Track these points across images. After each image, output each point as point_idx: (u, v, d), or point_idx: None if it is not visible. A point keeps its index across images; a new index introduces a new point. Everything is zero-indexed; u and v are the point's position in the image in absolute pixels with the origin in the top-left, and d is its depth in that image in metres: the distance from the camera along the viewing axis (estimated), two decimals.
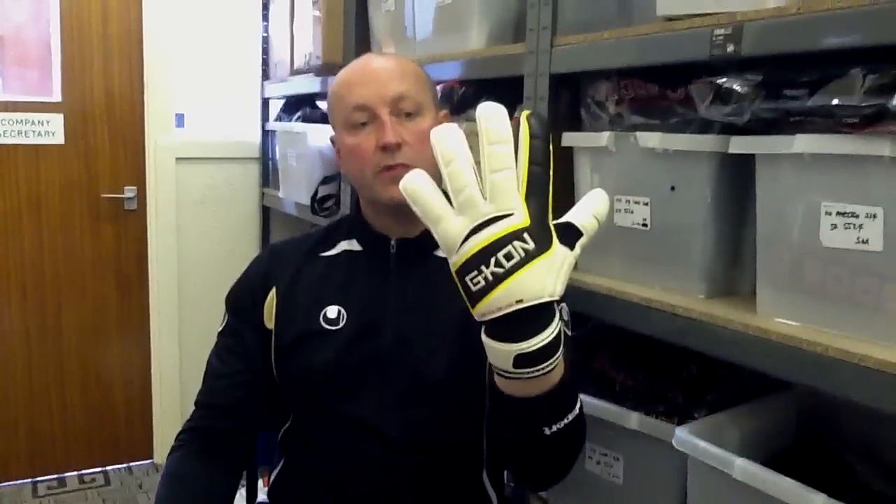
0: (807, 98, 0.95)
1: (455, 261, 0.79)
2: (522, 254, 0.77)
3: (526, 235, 0.77)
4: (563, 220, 0.84)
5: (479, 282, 0.78)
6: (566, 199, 1.35)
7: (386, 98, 1.16)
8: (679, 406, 1.27)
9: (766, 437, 1.23)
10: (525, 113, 0.80)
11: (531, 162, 0.79)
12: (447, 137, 0.78)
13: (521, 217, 0.77)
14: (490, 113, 0.77)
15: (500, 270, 0.77)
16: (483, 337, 0.82)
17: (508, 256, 0.76)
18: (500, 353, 0.81)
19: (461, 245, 0.78)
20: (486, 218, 0.77)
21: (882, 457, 1.24)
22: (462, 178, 0.77)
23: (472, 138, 0.79)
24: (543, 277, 0.78)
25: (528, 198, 0.78)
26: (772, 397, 1.28)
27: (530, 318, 0.79)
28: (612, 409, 1.27)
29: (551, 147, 0.80)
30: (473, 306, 0.80)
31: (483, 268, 0.77)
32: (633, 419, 1.24)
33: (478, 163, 0.79)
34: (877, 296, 0.91)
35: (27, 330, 3.04)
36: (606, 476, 1.32)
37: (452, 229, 0.78)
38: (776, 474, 0.98)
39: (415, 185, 0.80)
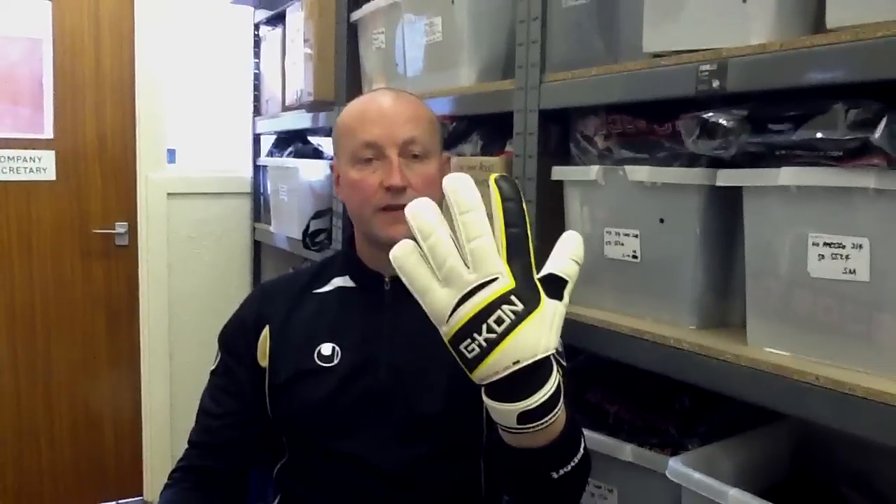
0: (791, 132, 0.97)
1: (446, 331, 0.79)
2: (513, 316, 0.77)
3: (513, 297, 0.77)
4: (545, 271, 0.84)
5: (473, 349, 0.78)
6: (557, 232, 1.37)
7: (397, 140, 1.17)
8: (672, 438, 1.27)
9: (760, 468, 1.23)
10: (492, 176, 0.81)
11: (507, 224, 0.79)
12: (420, 213, 0.79)
13: (506, 280, 0.78)
14: (456, 185, 0.78)
15: (493, 336, 0.77)
16: (484, 398, 0.82)
17: (499, 321, 0.77)
18: (503, 412, 0.81)
19: (450, 316, 0.78)
20: (472, 287, 0.77)
21: (875, 488, 1.24)
22: (442, 250, 0.78)
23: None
24: (537, 335, 0.78)
25: (510, 259, 0.79)
26: (765, 429, 1.28)
27: (529, 377, 0.79)
28: (606, 441, 1.27)
29: (524, 206, 0.81)
30: (471, 372, 0.80)
31: (476, 335, 0.77)
32: (627, 451, 1.24)
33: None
34: (865, 325, 0.92)
35: (16, 366, 3.01)
36: None
37: (440, 301, 0.79)
38: None
39: (401, 257, 0.80)
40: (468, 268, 0.78)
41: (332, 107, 2.25)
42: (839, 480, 1.26)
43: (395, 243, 0.81)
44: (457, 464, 1.20)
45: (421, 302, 0.80)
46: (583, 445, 0.98)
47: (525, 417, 0.81)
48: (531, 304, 0.78)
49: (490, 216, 0.79)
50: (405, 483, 1.17)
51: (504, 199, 0.79)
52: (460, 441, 1.19)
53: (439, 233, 0.78)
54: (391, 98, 1.24)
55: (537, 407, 0.80)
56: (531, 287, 0.79)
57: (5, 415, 3.01)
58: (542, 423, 0.82)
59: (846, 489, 1.24)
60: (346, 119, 1.24)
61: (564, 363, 1.18)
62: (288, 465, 1.27)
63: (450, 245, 0.78)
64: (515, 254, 0.79)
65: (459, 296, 0.78)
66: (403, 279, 0.81)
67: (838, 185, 0.92)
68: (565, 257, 0.85)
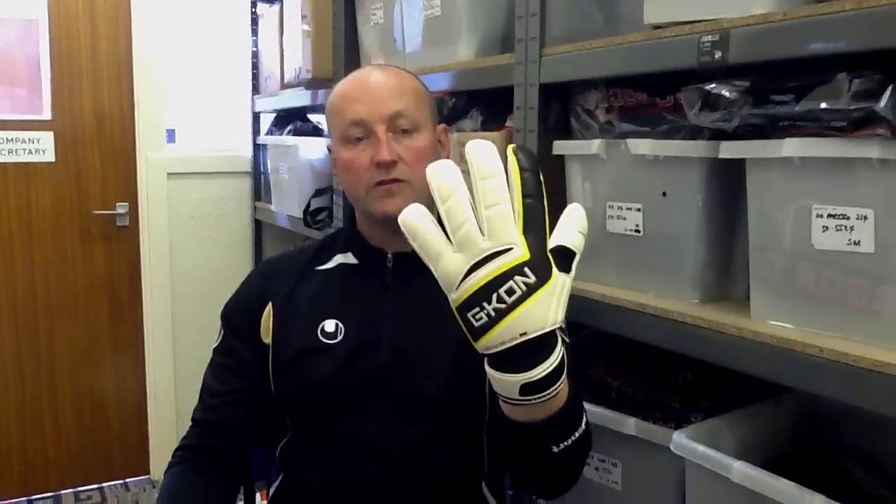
0: (794, 103, 0.96)
1: (455, 297, 0.78)
2: (524, 288, 0.76)
3: (526, 269, 0.77)
4: (553, 243, 0.83)
5: (481, 318, 0.77)
6: (558, 208, 1.36)
7: (383, 115, 1.16)
8: (676, 412, 1.27)
9: (763, 441, 1.23)
10: (511, 147, 0.80)
11: (524, 195, 0.78)
12: (443, 173, 0.78)
13: (520, 251, 0.77)
14: (479, 149, 0.77)
15: (503, 306, 0.76)
16: (487, 368, 0.82)
17: (510, 292, 0.76)
18: (505, 383, 0.81)
19: (461, 282, 0.77)
20: (486, 254, 0.77)
21: (879, 460, 1.24)
22: (459, 214, 0.77)
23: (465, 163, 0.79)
24: (546, 308, 0.78)
25: (525, 230, 0.78)
26: (768, 402, 1.28)
27: (534, 349, 0.79)
28: (610, 414, 1.27)
29: (542, 177, 0.80)
30: (476, 340, 0.79)
31: (485, 304, 0.77)
32: (631, 424, 1.24)
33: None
34: (870, 297, 0.92)
35: (19, 348, 3.02)
36: (605, 482, 1.32)
37: (452, 267, 0.78)
38: (774, 476, 0.98)
39: (413, 220, 0.79)
40: (483, 234, 0.77)
41: (331, 84, 2.21)
42: (842, 453, 1.27)
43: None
44: (459, 443, 1.21)
45: (432, 267, 0.80)
46: (584, 421, 0.97)
47: (527, 389, 0.81)
48: (543, 277, 0.78)
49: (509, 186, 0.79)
50: (407, 462, 1.17)
51: (522, 170, 0.79)
52: (463, 420, 1.19)
53: (459, 196, 0.77)
54: (375, 74, 1.22)
55: (540, 379, 0.80)
56: (544, 259, 0.79)
57: (10, 399, 3.03)
58: (544, 396, 0.82)
59: (849, 462, 1.24)
60: (333, 100, 1.23)
61: (567, 339, 1.18)
62: (291, 443, 1.27)
63: (468, 209, 0.77)
64: (531, 224, 0.78)
65: (472, 262, 0.77)
66: (414, 243, 0.80)
67: (842, 155, 0.91)
68: (573, 229, 0.85)
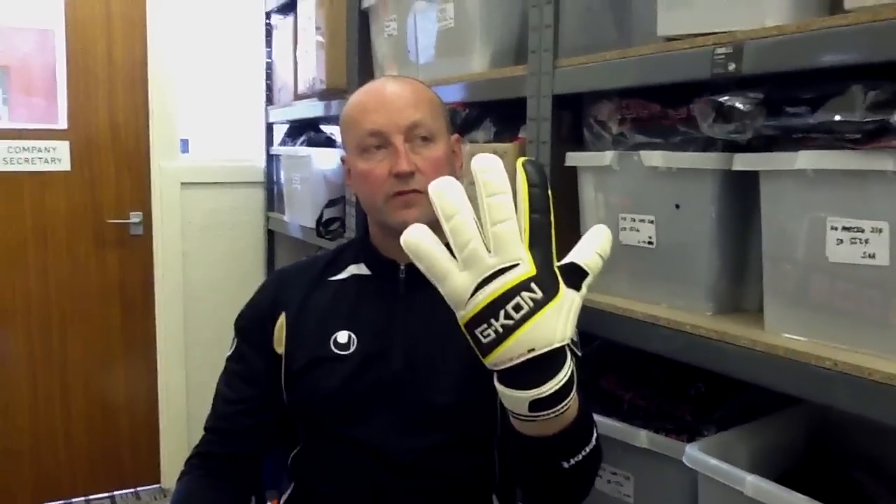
0: (808, 115, 0.96)
1: (463, 315, 0.78)
2: (531, 304, 0.76)
3: (533, 285, 0.76)
4: (567, 260, 0.83)
5: (489, 334, 0.77)
6: (571, 219, 1.37)
7: (401, 125, 1.16)
8: (688, 424, 1.26)
9: (776, 453, 1.23)
10: (520, 160, 0.80)
11: (531, 210, 0.78)
12: (446, 191, 0.77)
13: (526, 267, 0.77)
14: (486, 165, 0.76)
15: (510, 322, 0.76)
16: (497, 384, 0.82)
17: (517, 308, 0.76)
18: (515, 399, 0.81)
19: (469, 300, 0.77)
20: (492, 271, 0.76)
21: (890, 472, 1.24)
22: (465, 232, 0.76)
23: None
24: (554, 324, 0.77)
25: (531, 246, 0.78)
26: (780, 414, 1.27)
27: (543, 365, 0.78)
28: (622, 427, 1.27)
29: (550, 192, 0.79)
30: (485, 357, 0.79)
31: (493, 321, 0.76)
32: (643, 437, 1.24)
33: (478, 214, 0.78)
34: (884, 310, 0.92)
35: (32, 356, 3.03)
36: (617, 495, 1.32)
37: (458, 285, 0.77)
38: (787, 490, 0.97)
39: (417, 241, 0.78)
40: (489, 251, 0.77)
41: (345, 95, 2.24)
42: (854, 465, 1.26)
43: (407, 228, 0.80)
44: (470, 453, 1.20)
45: (439, 286, 0.79)
46: (595, 436, 0.97)
47: (537, 405, 0.80)
48: (550, 293, 0.77)
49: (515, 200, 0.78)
50: (417, 472, 1.17)
51: (530, 185, 0.78)
52: (473, 430, 1.19)
53: (464, 213, 0.76)
54: (391, 84, 1.23)
55: (550, 395, 0.80)
56: (551, 275, 0.78)
57: (22, 405, 3.04)
58: (553, 412, 0.82)
59: (861, 474, 1.23)
60: (349, 111, 1.23)
61: (579, 353, 1.18)
62: (302, 452, 1.28)
63: (473, 227, 0.77)
64: (537, 240, 0.78)
65: (479, 279, 0.76)
66: (419, 264, 0.79)
67: (857, 168, 0.91)
68: (591, 249, 0.84)
